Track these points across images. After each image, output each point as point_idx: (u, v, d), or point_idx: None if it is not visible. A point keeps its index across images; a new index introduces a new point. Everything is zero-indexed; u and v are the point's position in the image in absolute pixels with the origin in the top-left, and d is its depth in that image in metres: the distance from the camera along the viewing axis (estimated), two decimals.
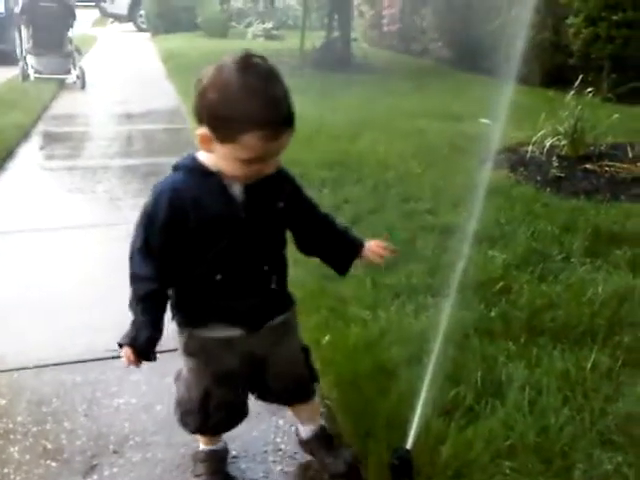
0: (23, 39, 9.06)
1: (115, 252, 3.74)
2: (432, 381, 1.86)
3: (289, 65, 9.54)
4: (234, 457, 1.95)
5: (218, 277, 1.56)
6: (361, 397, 2.11)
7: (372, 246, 1.75)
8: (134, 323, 1.53)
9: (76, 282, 3.14)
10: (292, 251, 1.77)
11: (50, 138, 6.42)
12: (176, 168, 1.56)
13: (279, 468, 1.92)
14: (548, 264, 3.06)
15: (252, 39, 15.47)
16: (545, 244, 3.29)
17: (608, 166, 4.57)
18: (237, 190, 1.52)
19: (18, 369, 2.41)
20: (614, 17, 7.08)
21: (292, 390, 1.82)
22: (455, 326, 2.12)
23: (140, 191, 4.62)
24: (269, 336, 1.68)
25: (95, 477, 1.88)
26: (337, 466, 1.85)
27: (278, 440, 2.03)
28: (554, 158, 4.70)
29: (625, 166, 4.56)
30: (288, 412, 1.99)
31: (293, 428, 2.05)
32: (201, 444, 1.87)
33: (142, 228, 1.51)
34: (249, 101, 1.35)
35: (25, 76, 8.86)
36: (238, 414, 1.79)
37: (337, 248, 1.77)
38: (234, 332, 1.62)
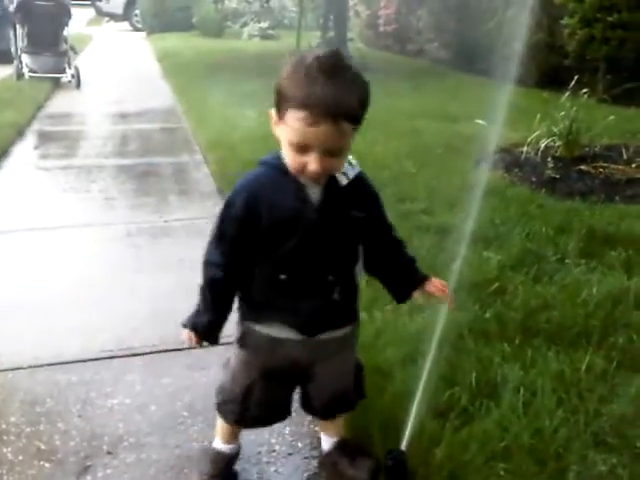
0: (18, 38, 9.02)
1: (110, 252, 3.78)
2: (427, 382, 1.86)
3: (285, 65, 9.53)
4: None
5: (282, 277, 1.57)
6: None
7: (435, 282, 1.72)
8: (198, 306, 1.63)
9: (71, 282, 3.13)
10: None
11: (45, 137, 6.40)
12: (260, 163, 1.59)
13: (273, 469, 1.92)
14: (543, 265, 3.07)
15: (248, 39, 15.47)
16: (540, 245, 3.30)
17: (603, 167, 4.58)
18: (314, 192, 1.53)
19: (12, 369, 2.40)
20: (609, 18, 7.10)
21: (332, 406, 1.82)
22: (450, 327, 2.12)
23: (135, 191, 4.62)
24: (324, 347, 1.67)
25: (89, 478, 1.86)
26: (359, 477, 1.82)
27: (273, 441, 2.02)
28: (549, 159, 4.71)
29: (620, 167, 4.58)
30: None
31: (288, 429, 2.05)
32: (217, 439, 1.87)
33: (220, 218, 1.57)
34: (303, 83, 1.39)
35: (20, 75, 8.82)
36: (277, 413, 1.80)
37: (402, 275, 1.74)
38: (290, 334, 1.63)
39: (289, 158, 1.47)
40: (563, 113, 4.86)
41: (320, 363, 1.70)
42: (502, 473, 1.78)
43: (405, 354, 2.28)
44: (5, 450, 1.96)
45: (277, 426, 2.05)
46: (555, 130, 4.85)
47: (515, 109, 2.38)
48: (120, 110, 7.71)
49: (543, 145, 4.79)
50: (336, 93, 1.37)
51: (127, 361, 2.45)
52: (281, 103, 1.43)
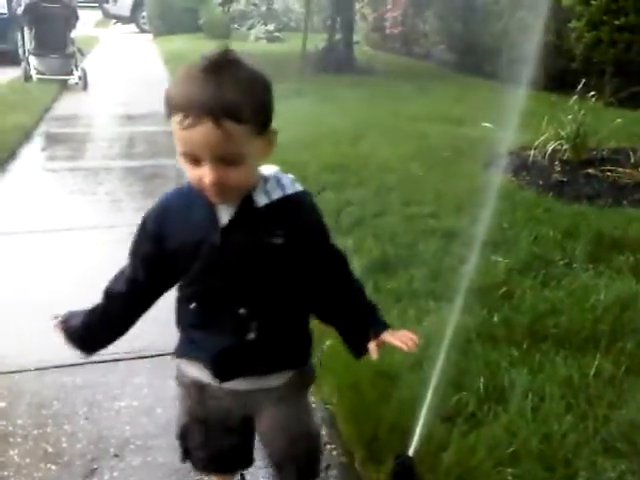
0: (25, 40, 9.06)
1: (116, 254, 3.75)
2: (434, 387, 1.85)
3: (291, 67, 9.55)
4: None
5: (192, 305, 1.40)
6: (362, 403, 2.10)
7: (401, 334, 1.40)
8: (85, 309, 1.51)
9: (77, 284, 3.13)
10: None
11: (52, 139, 6.42)
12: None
13: None
14: (550, 269, 3.05)
15: (254, 41, 15.50)
16: (547, 249, 3.28)
17: (610, 171, 4.56)
18: (225, 213, 1.32)
19: (19, 371, 2.40)
20: (616, 21, 7.08)
21: (286, 467, 1.57)
22: (457, 331, 2.11)
23: (141, 193, 4.62)
24: (253, 400, 1.47)
25: None
26: None
27: None
28: (556, 162, 4.70)
29: (627, 171, 4.55)
30: None
31: None
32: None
33: (135, 233, 1.44)
34: (183, 84, 1.23)
35: (27, 77, 8.87)
36: (229, 461, 1.60)
37: (355, 323, 1.46)
38: (209, 378, 1.44)
39: (188, 174, 1.27)
40: (570, 116, 4.84)
41: (258, 415, 1.50)
42: (510, 478, 1.77)
43: (412, 359, 2.27)
44: (12, 452, 1.97)
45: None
46: (562, 133, 4.84)
47: (522, 112, 2.37)
48: (127, 112, 7.73)
49: (550, 148, 4.77)
50: (215, 90, 1.18)
51: (133, 364, 2.45)
52: (167, 112, 1.26)
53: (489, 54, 9.08)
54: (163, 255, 1.37)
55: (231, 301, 1.37)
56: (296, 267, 1.38)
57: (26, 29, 9.05)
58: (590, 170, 4.60)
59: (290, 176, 1.39)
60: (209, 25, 16.35)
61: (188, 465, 1.89)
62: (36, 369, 2.41)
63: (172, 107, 1.23)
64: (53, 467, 1.92)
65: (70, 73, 9.06)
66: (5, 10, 11.20)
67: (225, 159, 1.21)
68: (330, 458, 1.97)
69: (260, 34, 15.97)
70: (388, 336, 1.39)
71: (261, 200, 1.32)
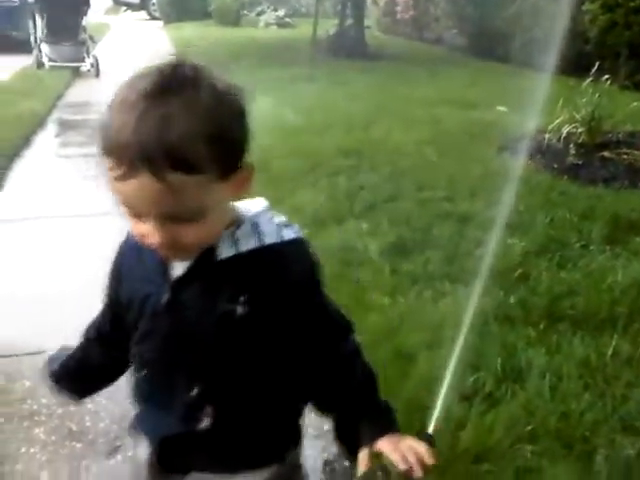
0: (37, 27, 9.11)
1: None
2: (452, 367, 1.86)
3: (302, 53, 9.52)
4: None
5: (144, 372, 1.09)
6: (381, 382, 2.11)
7: (405, 446, 0.99)
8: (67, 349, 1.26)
9: (90, 269, 3.16)
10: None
11: (65, 126, 6.44)
12: None
13: None
14: (567, 251, 3.05)
15: (265, 27, 15.45)
16: (563, 232, 3.28)
17: (626, 154, 4.53)
18: (177, 268, 1.01)
19: (41, 352, 2.43)
20: (631, 3, 7.01)
21: None
22: (474, 312, 2.12)
23: None
24: None
25: (119, 457, 1.90)
26: None
27: None
28: (571, 146, 4.67)
29: None
30: None
31: None
32: None
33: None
34: (116, 114, 0.88)
35: (39, 64, 8.91)
36: None
37: (347, 417, 1.09)
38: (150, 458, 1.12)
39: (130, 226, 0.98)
40: (585, 99, 4.81)
41: None
42: (529, 455, 1.79)
43: (429, 339, 2.28)
44: (37, 430, 2.01)
45: None
46: (577, 116, 4.81)
47: (536, 95, 2.36)
48: None
49: (565, 132, 4.74)
50: (156, 127, 0.84)
51: None
52: (98, 152, 0.92)
53: (502, 38, 9.01)
54: (120, 302, 1.11)
55: (182, 377, 1.04)
56: (267, 342, 1.01)
57: (38, 17, 9.08)
58: (605, 153, 4.58)
59: (279, 219, 1.03)
60: (219, 12, 16.33)
61: None
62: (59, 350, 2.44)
63: (100, 146, 0.90)
64: (78, 445, 1.95)
65: (82, 60, 9.09)
66: None
67: (175, 216, 0.90)
68: None
69: (270, 20, 15.93)
70: (387, 445, 1.00)
71: (225, 251, 0.97)
